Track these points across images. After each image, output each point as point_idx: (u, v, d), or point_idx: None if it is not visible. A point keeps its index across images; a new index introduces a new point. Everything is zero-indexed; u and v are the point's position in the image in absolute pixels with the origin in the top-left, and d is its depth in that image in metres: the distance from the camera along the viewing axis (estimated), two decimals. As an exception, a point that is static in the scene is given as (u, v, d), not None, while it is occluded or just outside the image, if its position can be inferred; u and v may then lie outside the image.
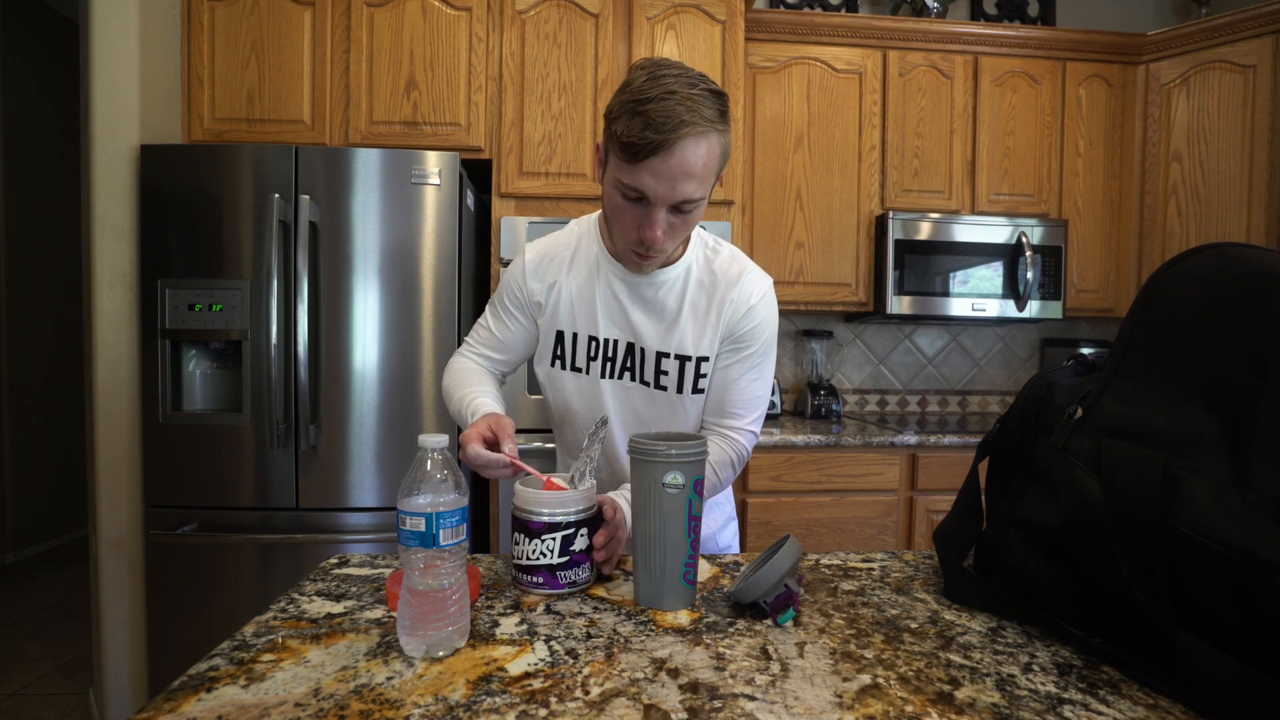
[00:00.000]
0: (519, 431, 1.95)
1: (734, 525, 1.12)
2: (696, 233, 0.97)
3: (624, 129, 0.75)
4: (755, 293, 0.95)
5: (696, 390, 0.96)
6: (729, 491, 1.12)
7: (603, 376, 0.96)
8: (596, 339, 0.95)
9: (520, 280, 0.98)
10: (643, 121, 0.73)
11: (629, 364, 0.95)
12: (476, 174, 2.15)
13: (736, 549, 1.14)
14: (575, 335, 0.96)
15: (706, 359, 0.95)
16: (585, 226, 0.99)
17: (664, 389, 0.95)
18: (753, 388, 0.97)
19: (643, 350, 0.95)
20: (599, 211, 0.99)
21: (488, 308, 1.04)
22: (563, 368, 0.98)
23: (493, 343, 1.02)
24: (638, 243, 0.83)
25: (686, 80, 0.75)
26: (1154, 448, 0.54)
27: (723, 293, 0.94)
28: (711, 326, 0.94)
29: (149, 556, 1.75)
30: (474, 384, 0.95)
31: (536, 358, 1.02)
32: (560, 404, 1.01)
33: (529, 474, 0.75)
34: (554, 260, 0.97)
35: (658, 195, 0.77)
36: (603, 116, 0.81)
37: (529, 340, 1.01)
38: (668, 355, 0.94)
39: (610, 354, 0.95)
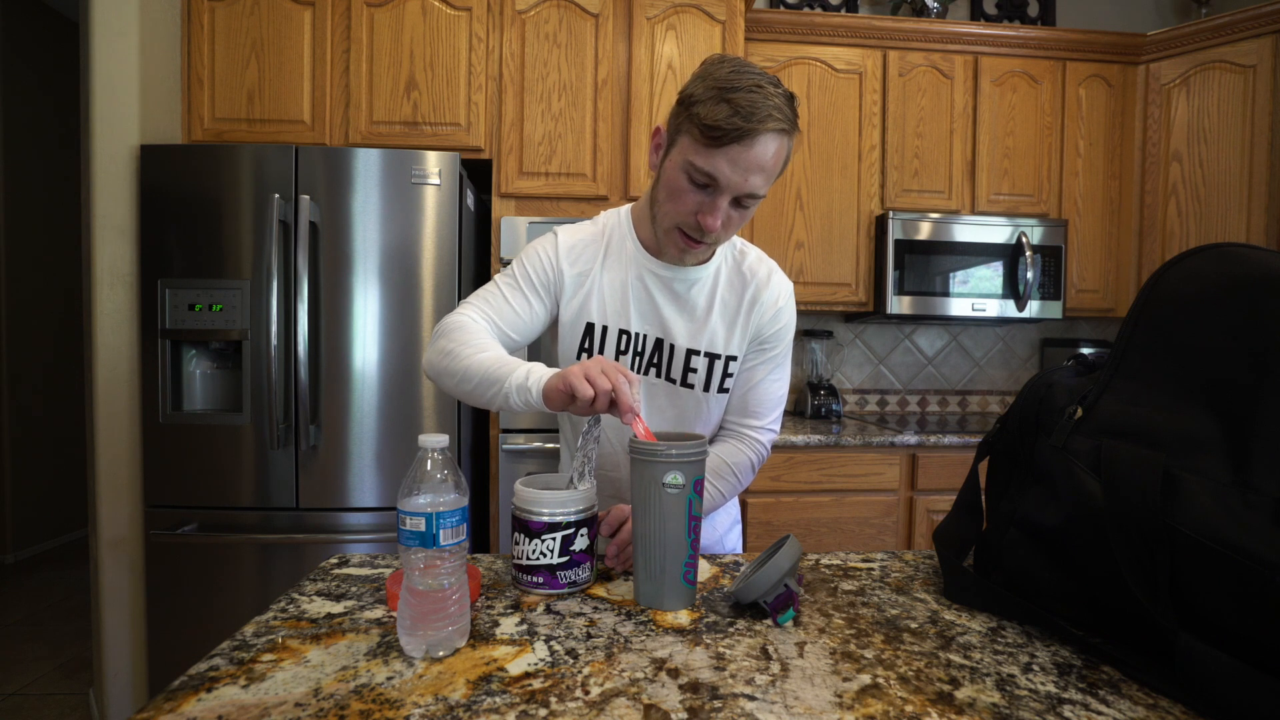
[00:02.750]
0: (515, 431, 1.95)
1: (739, 528, 1.12)
2: None
3: (708, 112, 0.75)
4: (783, 294, 0.97)
5: (722, 389, 0.96)
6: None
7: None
8: (627, 332, 0.94)
9: (553, 259, 0.93)
10: (730, 108, 0.74)
11: (655, 360, 0.95)
12: (476, 174, 2.15)
13: (740, 549, 1.14)
14: (605, 328, 0.94)
15: (735, 358, 0.95)
16: (615, 220, 0.97)
17: (690, 387, 0.95)
18: (774, 387, 0.99)
19: (672, 347, 0.94)
20: (627, 206, 0.99)
21: (500, 278, 0.94)
22: None
23: (507, 316, 0.91)
24: (695, 227, 0.83)
25: (769, 79, 0.77)
26: (1154, 448, 0.54)
27: (753, 293, 0.94)
28: (741, 326, 0.94)
29: (149, 556, 1.75)
30: (503, 349, 0.85)
31: (561, 351, 0.97)
32: None
33: (637, 425, 0.70)
34: (588, 248, 0.95)
35: (729, 183, 0.78)
36: (676, 100, 0.82)
37: (537, 329, 0.95)
38: (698, 353, 0.94)
39: (640, 348, 0.94)
